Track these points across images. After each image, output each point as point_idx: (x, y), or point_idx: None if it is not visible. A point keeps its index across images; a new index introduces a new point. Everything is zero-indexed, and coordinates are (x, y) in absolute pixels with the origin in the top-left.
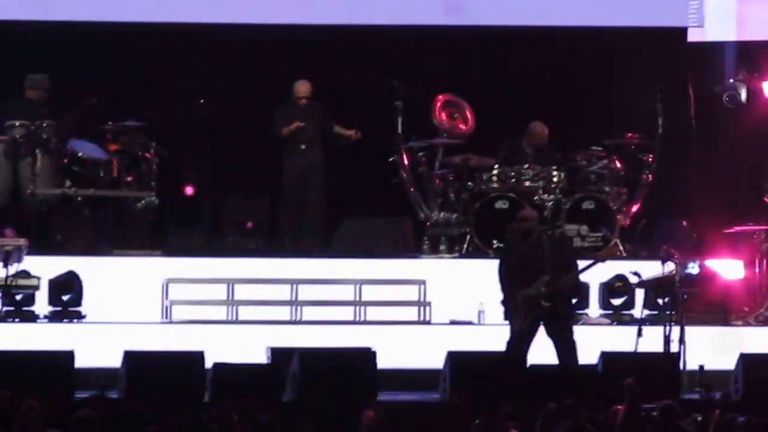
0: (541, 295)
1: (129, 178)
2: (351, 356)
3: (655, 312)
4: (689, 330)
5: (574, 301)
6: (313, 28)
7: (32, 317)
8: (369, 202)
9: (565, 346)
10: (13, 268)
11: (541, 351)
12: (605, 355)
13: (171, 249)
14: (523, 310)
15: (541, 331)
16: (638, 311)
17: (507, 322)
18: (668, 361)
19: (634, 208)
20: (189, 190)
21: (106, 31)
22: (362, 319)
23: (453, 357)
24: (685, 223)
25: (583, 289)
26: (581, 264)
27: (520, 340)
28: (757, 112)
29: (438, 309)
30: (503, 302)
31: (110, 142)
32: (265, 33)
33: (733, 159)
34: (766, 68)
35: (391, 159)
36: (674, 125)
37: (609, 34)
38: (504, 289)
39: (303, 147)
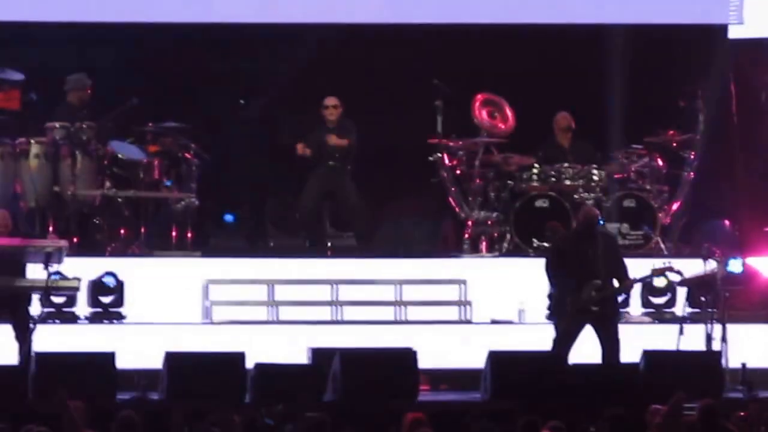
0: (591, 300)
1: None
2: (392, 356)
3: (697, 310)
4: (731, 328)
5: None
6: (353, 27)
7: (73, 318)
8: (409, 202)
9: (611, 345)
10: (54, 270)
11: (582, 349)
12: (647, 354)
13: (211, 250)
14: (573, 313)
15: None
16: (680, 309)
17: (552, 319)
18: (710, 359)
19: (676, 206)
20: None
21: (146, 32)
22: (403, 318)
23: (494, 357)
24: (727, 220)
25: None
26: (634, 272)
27: (566, 339)
28: None
29: (479, 308)
30: (550, 296)
31: (150, 144)
32: (305, 32)
33: None
34: None
35: (431, 158)
36: (716, 122)
37: (649, 31)
38: (553, 283)
39: (331, 164)
